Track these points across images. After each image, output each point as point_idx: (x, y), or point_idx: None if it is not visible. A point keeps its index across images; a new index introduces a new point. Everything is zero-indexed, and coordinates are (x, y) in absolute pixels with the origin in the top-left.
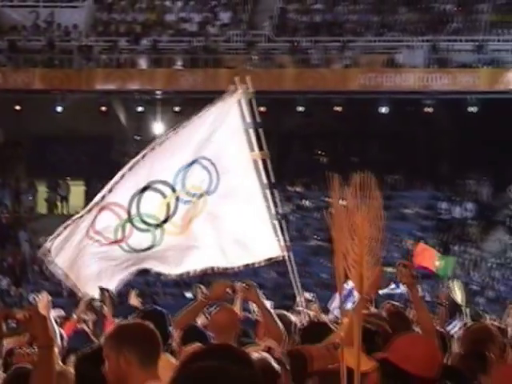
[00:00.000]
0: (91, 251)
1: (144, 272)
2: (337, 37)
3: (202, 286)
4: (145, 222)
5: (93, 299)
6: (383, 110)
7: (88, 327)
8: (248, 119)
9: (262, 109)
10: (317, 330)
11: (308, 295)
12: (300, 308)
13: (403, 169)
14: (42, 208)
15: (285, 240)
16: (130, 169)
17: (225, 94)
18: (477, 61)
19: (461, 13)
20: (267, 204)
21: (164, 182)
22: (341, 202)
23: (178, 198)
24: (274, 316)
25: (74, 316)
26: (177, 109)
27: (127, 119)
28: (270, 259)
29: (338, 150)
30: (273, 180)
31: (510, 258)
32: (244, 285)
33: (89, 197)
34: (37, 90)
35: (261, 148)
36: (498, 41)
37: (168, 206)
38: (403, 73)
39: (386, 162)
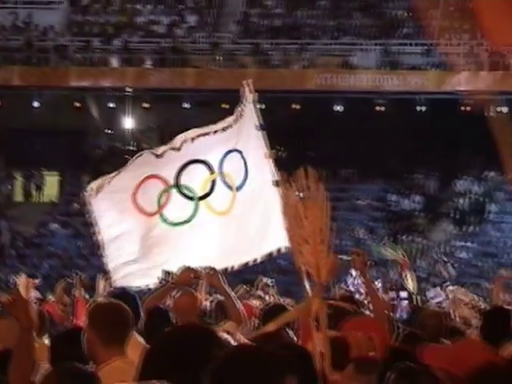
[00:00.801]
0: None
1: None
2: (295, 39)
3: (169, 271)
4: (186, 193)
5: (68, 282)
6: (338, 108)
7: (67, 309)
8: (260, 120)
9: (225, 106)
10: (277, 313)
11: (267, 280)
12: (259, 292)
13: (356, 163)
14: (19, 197)
15: None
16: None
17: (242, 97)
18: (425, 63)
19: (411, 18)
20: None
21: (209, 161)
22: (296, 193)
23: (222, 179)
24: (235, 300)
25: (51, 298)
26: (146, 105)
27: (99, 114)
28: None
29: (295, 145)
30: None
31: (455, 246)
32: (208, 270)
33: (63, 186)
34: (15, 86)
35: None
36: (446, 45)
37: (212, 182)
38: (357, 74)
39: (341, 156)
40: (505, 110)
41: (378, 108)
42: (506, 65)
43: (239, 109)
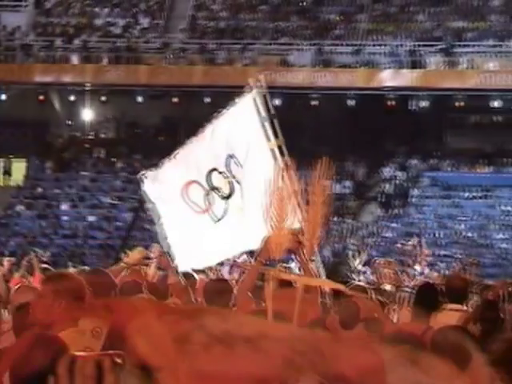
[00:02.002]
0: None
1: (74, 235)
2: (238, 40)
3: (128, 251)
4: (220, 194)
5: (31, 259)
6: (276, 102)
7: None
8: (263, 113)
9: (175, 100)
10: (219, 286)
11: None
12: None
13: (292, 152)
14: None
15: None
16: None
17: (243, 93)
18: (355, 62)
19: (342, 21)
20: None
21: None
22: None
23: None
24: (181, 278)
25: (16, 274)
26: (103, 98)
27: (61, 107)
28: None
29: None
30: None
31: (381, 227)
32: (157, 253)
33: (28, 172)
34: None
35: (276, 136)
36: (373, 45)
37: (230, 183)
38: (293, 71)
39: (278, 146)
40: (426, 104)
41: (312, 102)
42: (424, 64)
43: (233, 107)
